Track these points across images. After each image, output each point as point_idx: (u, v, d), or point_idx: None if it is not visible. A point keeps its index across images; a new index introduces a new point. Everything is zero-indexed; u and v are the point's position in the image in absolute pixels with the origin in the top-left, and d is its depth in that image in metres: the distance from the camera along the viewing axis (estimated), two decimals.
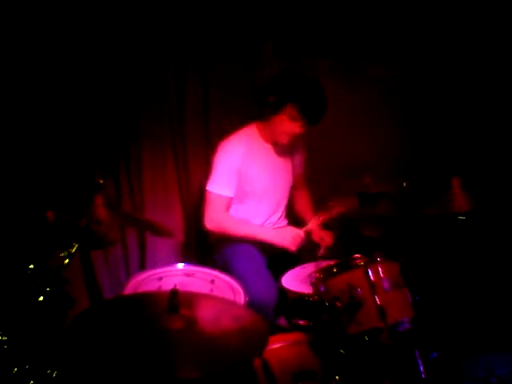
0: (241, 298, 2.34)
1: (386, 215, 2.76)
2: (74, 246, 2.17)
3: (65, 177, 2.83)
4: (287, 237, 2.69)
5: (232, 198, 2.78)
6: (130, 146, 3.10)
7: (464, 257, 2.88)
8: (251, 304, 2.31)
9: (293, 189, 3.05)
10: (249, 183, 2.81)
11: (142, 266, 3.15)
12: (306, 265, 2.63)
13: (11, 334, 1.97)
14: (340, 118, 3.29)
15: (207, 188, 2.75)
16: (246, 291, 2.37)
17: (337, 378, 2.04)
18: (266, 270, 2.71)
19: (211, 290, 2.39)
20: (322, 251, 2.73)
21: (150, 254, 3.17)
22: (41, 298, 2.05)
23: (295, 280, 2.53)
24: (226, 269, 2.62)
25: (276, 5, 3.18)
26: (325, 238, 2.81)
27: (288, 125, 2.67)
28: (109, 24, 2.88)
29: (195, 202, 3.23)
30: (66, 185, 2.77)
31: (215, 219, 2.75)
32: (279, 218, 2.98)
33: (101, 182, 2.31)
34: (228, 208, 2.80)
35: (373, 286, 2.08)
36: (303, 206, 3.10)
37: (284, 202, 2.98)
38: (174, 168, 3.22)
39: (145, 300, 1.94)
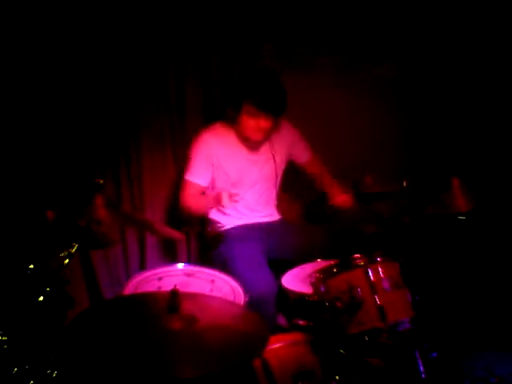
0: (241, 297, 2.34)
1: (386, 215, 2.76)
2: (74, 246, 2.17)
3: (65, 177, 2.84)
4: (213, 200, 2.74)
5: (205, 187, 2.85)
6: (130, 146, 3.10)
7: (464, 257, 2.89)
8: (251, 299, 2.31)
9: (310, 174, 3.08)
10: (225, 175, 2.85)
11: (142, 266, 3.15)
12: (305, 265, 2.63)
13: (11, 334, 1.97)
14: (340, 117, 3.30)
15: (184, 176, 2.85)
16: (246, 287, 2.37)
17: (337, 377, 2.04)
18: (265, 265, 2.71)
19: (211, 290, 2.39)
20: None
21: (150, 254, 3.17)
22: (41, 298, 2.05)
23: (295, 280, 2.53)
24: (224, 266, 2.63)
25: (275, 5, 3.18)
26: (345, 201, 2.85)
27: (252, 122, 2.70)
28: (109, 23, 2.88)
29: None
30: (66, 185, 2.77)
31: (186, 204, 2.85)
32: (267, 210, 2.99)
33: (101, 182, 2.31)
34: (199, 195, 2.86)
35: (373, 286, 2.08)
36: (324, 183, 3.08)
37: (268, 194, 2.99)
38: (174, 168, 3.22)
39: (145, 300, 1.94)
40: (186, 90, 3.17)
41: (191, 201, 2.85)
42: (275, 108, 2.69)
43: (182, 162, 3.20)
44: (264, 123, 2.70)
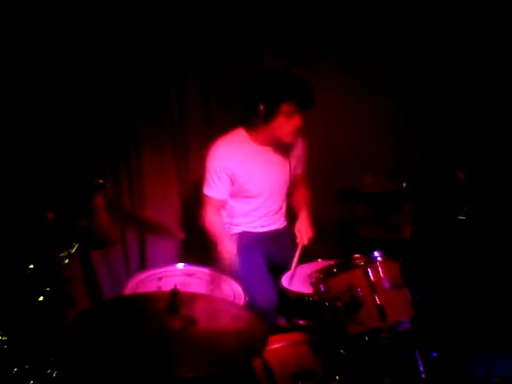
0: (241, 298, 2.35)
1: (385, 215, 2.76)
2: (73, 246, 2.17)
3: (65, 177, 2.84)
4: (226, 260, 2.63)
5: (224, 200, 2.82)
6: (130, 145, 3.11)
7: (464, 257, 2.89)
8: (252, 308, 2.30)
9: (293, 186, 3.04)
10: (243, 185, 2.80)
11: (142, 266, 3.15)
12: (305, 265, 2.63)
13: (11, 334, 1.97)
14: (340, 117, 3.30)
15: (203, 190, 2.81)
16: (247, 295, 2.37)
17: (337, 378, 2.04)
18: (267, 274, 2.68)
19: (211, 290, 2.39)
20: (297, 251, 2.65)
21: (150, 254, 3.17)
22: (41, 298, 2.05)
23: (295, 280, 2.53)
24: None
25: (275, 5, 3.18)
26: (303, 235, 2.77)
27: (289, 123, 2.66)
28: (110, 23, 2.89)
29: (195, 201, 3.23)
30: (66, 185, 2.77)
31: (207, 220, 2.81)
32: (276, 219, 2.96)
33: (101, 182, 2.31)
34: (219, 208, 2.84)
35: (373, 286, 2.08)
36: (298, 201, 3.04)
37: (280, 203, 2.94)
38: (174, 168, 3.22)
39: (145, 300, 1.94)
40: (186, 90, 3.17)
41: (213, 218, 2.81)
42: (310, 101, 2.67)
43: (182, 163, 3.23)
44: (299, 121, 2.67)
